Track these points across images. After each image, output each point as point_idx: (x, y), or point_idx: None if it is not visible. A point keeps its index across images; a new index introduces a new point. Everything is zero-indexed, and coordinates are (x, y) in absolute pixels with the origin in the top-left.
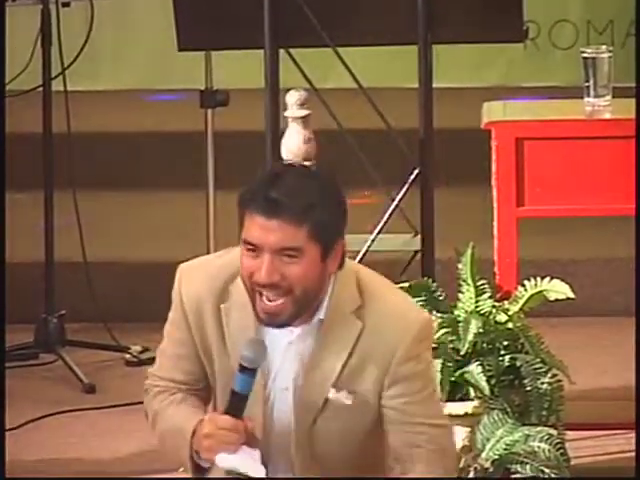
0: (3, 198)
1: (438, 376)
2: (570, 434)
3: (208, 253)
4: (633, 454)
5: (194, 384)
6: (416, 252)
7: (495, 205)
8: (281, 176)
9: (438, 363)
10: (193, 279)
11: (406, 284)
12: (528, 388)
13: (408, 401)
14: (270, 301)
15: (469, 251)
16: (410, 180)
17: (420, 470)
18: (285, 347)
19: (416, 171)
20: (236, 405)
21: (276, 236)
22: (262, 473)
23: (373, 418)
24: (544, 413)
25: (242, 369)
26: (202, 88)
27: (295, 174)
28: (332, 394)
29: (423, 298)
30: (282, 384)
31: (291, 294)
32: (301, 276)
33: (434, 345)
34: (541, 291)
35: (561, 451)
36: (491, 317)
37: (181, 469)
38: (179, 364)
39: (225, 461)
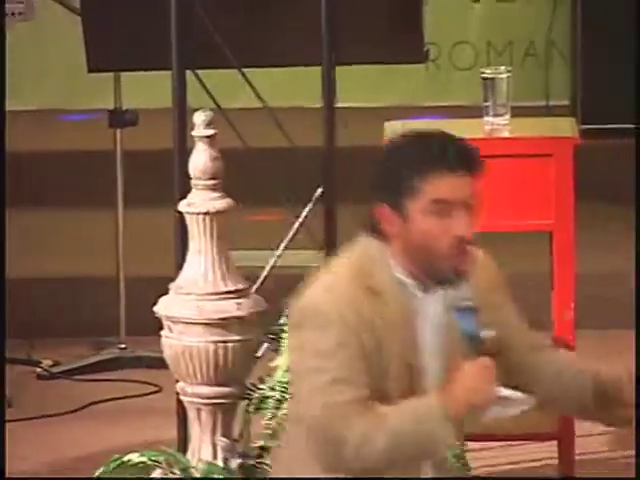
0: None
1: None
2: (471, 445)
3: (118, 268)
4: (530, 464)
5: (372, 399)
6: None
7: None
8: (446, 134)
9: None
10: (339, 297)
11: None
12: None
13: (514, 315)
14: (458, 259)
15: None
16: (314, 198)
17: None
18: (436, 316)
19: (320, 189)
20: (477, 346)
21: (468, 187)
22: (533, 401)
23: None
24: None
25: (467, 311)
26: (111, 108)
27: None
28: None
29: None
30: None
31: (472, 247)
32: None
33: None
34: None
35: (462, 461)
36: None
37: None
38: (361, 380)
39: (501, 392)
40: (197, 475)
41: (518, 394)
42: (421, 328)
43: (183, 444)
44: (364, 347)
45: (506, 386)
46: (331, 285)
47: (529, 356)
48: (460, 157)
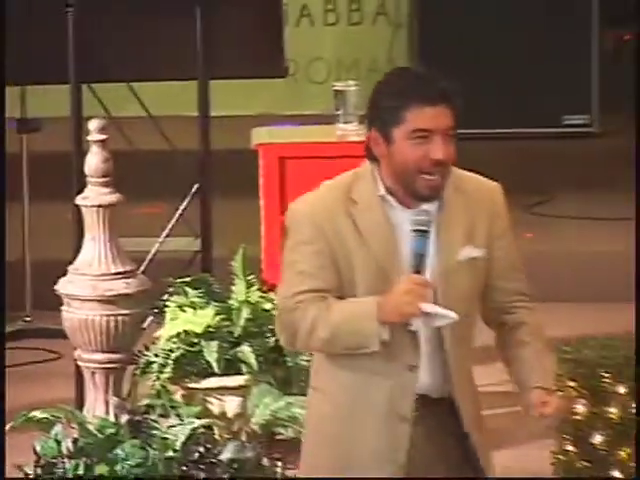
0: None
1: (215, 355)
2: None
3: (24, 253)
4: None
5: (333, 293)
6: (197, 252)
7: (262, 213)
8: (422, 72)
9: (215, 344)
10: (316, 202)
11: (188, 279)
12: (290, 364)
13: (509, 252)
14: (433, 178)
15: (241, 251)
16: (192, 193)
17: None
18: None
19: (196, 185)
20: (419, 264)
21: (445, 119)
22: (455, 316)
23: (483, 274)
24: (303, 384)
25: (418, 232)
26: (18, 116)
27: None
28: (464, 252)
29: (202, 290)
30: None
31: (447, 170)
32: (454, 152)
33: (212, 330)
34: None
35: None
36: (259, 305)
37: None
38: (321, 274)
39: (427, 308)
40: (92, 428)
41: (442, 310)
42: (398, 239)
43: (80, 402)
44: (332, 247)
45: (433, 303)
46: (315, 194)
47: (505, 299)
48: (439, 91)
